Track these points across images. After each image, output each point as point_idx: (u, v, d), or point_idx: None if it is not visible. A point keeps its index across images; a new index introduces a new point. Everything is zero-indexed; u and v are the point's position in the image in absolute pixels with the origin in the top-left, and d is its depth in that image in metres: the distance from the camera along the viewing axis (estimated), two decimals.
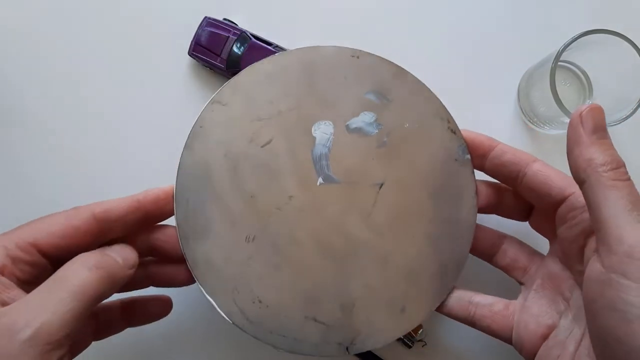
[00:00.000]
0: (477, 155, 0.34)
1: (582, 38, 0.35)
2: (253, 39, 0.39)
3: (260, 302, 0.32)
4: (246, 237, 0.33)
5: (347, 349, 0.33)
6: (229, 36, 0.39)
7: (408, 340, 0.39)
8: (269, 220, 0.33)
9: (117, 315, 0.33)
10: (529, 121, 0.41)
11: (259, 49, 0.39)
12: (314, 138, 0.34)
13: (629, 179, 0.27)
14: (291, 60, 0.34)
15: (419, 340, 0.39)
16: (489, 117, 0.41)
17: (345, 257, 0.33)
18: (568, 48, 0.35)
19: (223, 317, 0.32)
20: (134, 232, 0.31)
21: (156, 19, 0.42)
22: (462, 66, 0.42)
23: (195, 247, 0.32)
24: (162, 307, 0.34)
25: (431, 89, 0.35)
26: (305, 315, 0.33)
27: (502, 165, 0.33)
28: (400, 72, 0.35)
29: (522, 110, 0.41)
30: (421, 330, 0.39)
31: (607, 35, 0.35)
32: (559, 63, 0.35)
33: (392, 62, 0.35)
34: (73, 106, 0.41)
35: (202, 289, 0.32)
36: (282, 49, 0.39)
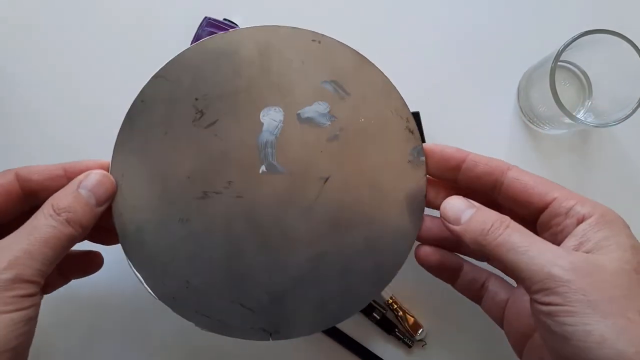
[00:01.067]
0: (449, 169, 0.33)
1: (582, 38, 0.35)
2: None
3: (187, 282, 0.32)
4: (180, 218, 0.32)
5: (270, 335, 0.32)
6: None
7: (408, 340, 0.39)
8: (205, 203, 0.32)
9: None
10: (529, 121, 0.41)
11: None
12: (262, 124, 0.32)
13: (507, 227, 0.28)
14: (245, 38, 0.33)
15: (419, 340, 0.39)
16: (489, 116, 0.41)
17: (279, 249, 0.32)
18: (568, 48, 0.35)
19: (148, 291, 0.31)
20: None
21: (156, 19, 0.42)
22: (462, 66, 0.42)
23: (127, 220, 0.31)
24: (94, 262, 0.34)
25: (393, 83, 0.34)
26: (232, 299, 0.32)
27: (476, 178, 0.32)
28: (363, 63, 0.33)
29: (521, 110, 0.41)
30: (421, 330, 0.39)
31: (606, 35, 0.35)
32: (559, 63, 0.35)
33: (357, 51, 0.33)
34: (72, 106, 0.41)
35: (129, 262, 0.31)
36: None
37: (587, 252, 0.27)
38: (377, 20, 0.42)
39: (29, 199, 0.29)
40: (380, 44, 0.42)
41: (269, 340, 0.32)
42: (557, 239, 0.29)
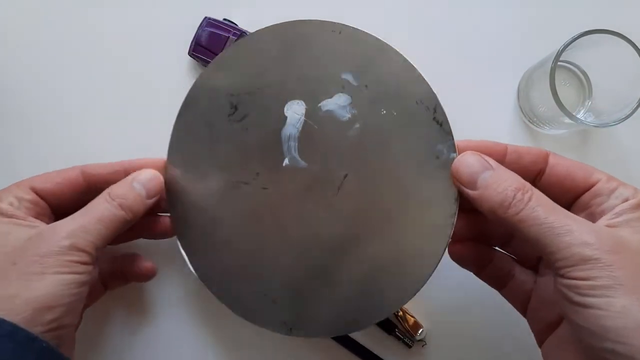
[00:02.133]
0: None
1: (582, 38, 0.35)
2: None
3: (221, 268, 0.33)
4: (217, 207, 0.33)
5: (290, 329, 0.33)
6: (229, 36, 0.39)
7: (408, 340, 0.39)
8: (237, 193, 0.33)
9: (113, 270, 0.36)
10: (529, 121, 0.41)
11: None
12: (286, 117, 0.33)
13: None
14: (272, 35, 0.34)
15: (419, 340, 0.39)
16: (489, 117, 0.41)
17: (301, 244, 0.33)
18: (568, 48, 0.35)
19: (191, 271, 0.34)
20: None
21: (156, 19, 0.42)
22: (462, 66, 0.42)
23: (178, 207, 0.34)
24: (147, 269, 0.36)
25: (418, 69, 0.32)
26: (257, 289, 0.33)
27: (522, 169, 0.31)
28: (384, 50, 0.32)
29: (522, 110, 0.41)
30: (421, 330, 0.39)
31: (607, 35, 0.35)
32: (559, 63, 0.35)
33: (377, 38, 0.33)
34: (73, 106, 0.41)
35: (179, 242, 0.34)
36: None
37: (614, 228, 0.27)
38: (377, 22, 0.42)
39: (90, 190, 0.33)
40: None
41: (289, 334, 0.33)
42: (594, 218, 0.29)
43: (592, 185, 0.30)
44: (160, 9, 0.42)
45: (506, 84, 0.42)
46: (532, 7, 0.42)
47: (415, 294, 0.32)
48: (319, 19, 0.33)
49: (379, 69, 0.32)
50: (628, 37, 0.35)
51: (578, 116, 0.37)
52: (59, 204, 0.33)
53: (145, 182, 0.33)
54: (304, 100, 0.33)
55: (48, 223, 0.31)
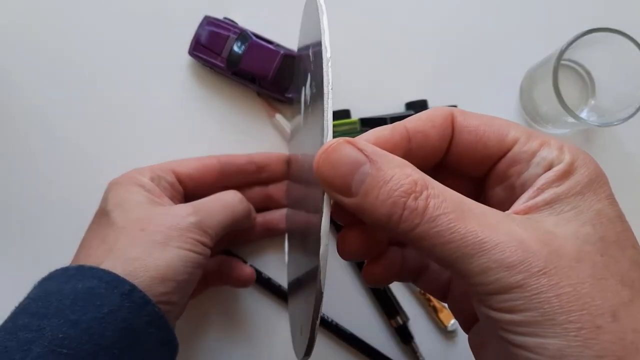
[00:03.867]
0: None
1: (585, 37, 0.35)
2: (254, 37, 0.39)
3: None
4: None
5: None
6: (229, 35, 0.39)
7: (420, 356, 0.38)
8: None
9: (214, 268, 0.37)
10: (532, 120, 0.41)
11: (259, 47, 0.39)
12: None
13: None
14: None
15: (450, 332, 0.39)
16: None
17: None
18: (571, 47, 0.35)
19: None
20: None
21: (156, 18, 0.41)
22: (464, 65, 0.42)
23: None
24: (246, 275, 0.37)
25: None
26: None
27: (433, 149, 0.23)
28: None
29: (524, 109, 0.41)
30: (453, 321, 0.39)
31: (610, 33, 0.35)
32: (562, 62, 0.35)
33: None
34: (73, 106, 0.41)
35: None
36: (283, 48, 0.39)
37: (532, 216, 0.21)
38: (377, 21, 0.42)
39: (223, 179, 0.36)
40: (380, 45, 0.42)
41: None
42: (513, 195, 0.22)
43: (509, 149, 0.22)
44: (160, 8, 0.41)
45: (509, 82, 0.42)
46: (535, 5, 0.42)
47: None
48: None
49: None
50: (632, 35, 0.34)
51: (581, 115, 0.37)
52: (194, 190, 0.35)
53: (236, 202, 0.34)
54: None
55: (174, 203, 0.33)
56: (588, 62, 0.40)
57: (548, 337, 0.18)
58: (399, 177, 0.20)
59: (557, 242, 0.19)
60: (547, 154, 0.22)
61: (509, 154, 0.22)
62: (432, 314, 0.39)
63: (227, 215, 0.32)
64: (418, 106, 0.40)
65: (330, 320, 0.39)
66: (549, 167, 0.21)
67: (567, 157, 0.21)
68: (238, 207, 0.33)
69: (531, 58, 0.40)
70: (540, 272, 0.19)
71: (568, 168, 0.21)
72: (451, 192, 0.20)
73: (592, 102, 0.40)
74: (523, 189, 0.22)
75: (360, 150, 0.21)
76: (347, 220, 0.24)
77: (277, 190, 0.39)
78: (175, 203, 0.34)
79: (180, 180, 0.35)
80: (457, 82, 0.41)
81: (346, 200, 0.21)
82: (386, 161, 0.21)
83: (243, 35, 0.39)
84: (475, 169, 0.24)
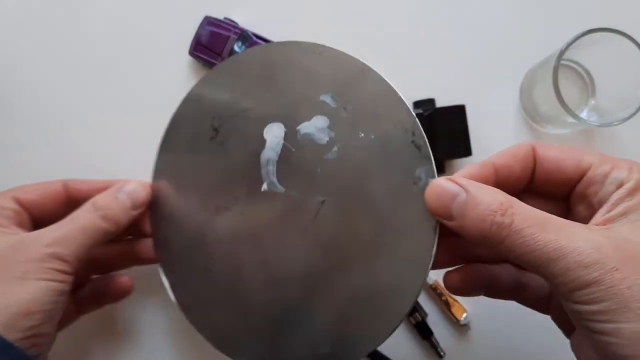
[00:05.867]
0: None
1: (585, 37, 0.35)
2: (254, 37, 0.39)
3: (198, 295, 0.32)
4: (198, 232, 0.32)
5: None
6: (229, 35, 0.39)
7: (440, 350, 0.39)
8: (217, 218, 0.32)
9: (88, 294, 0.36)
10: (532, 120, 0.41)
11: None
12: (265, 141, 0.32)
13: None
14: (255, 55, 0.33)
15: (463, 325, 0.39)
16: (492, 116, 0.41)
17: (276, 273, 0.31)
18: (571, 47, 0.35)
19: (171, 297, 0.32)
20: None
21: (157, 18, 0.42)
22: (464, 66, 0.42)
23: (160, 228, 0.33)
24: (124, 286, 0.36)
25: (399, 92, 0.31)
26: (236, 321, 0.32)
27: (518, 179, 0.29)
28: (364, 71, 0.31)
29: (524, 109, 0.41)
30: (465, 314, 0.39)
31: (610, 33, 0.35)
32: (562, 62, 0.35)
33: (356, 58, 0.32)
34: (73, 106, 0.41)
35: (160, 268, 0.33)
36: None
37: (613, 228, 0.25)
38: (378, 20, 0.42)
39: (72, 204, 0.33)
40: (380, 45, 0.42)
41: None
42: (593, 211, 0.27)
43: (585, 173, 0.27)
44: (160, 8, 0.42)
45: (509, 83, 0.42)
46: (535, 5, 0.42)
47: (391, 334, 0.31)
48: (302, 41, 0.32)
49: (358, 91, 0.31)
50: (632, 35, 0.35)
51: (581, 115, 0.37)
52: (40, 216, 0.33)
53: (130, 192, 0.32)
54: (284, 123, 0.32)
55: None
56: (588, 62, 0.40)
57: (623, 322, 0.22)
58: (488, 200, 0.25)
59: (630, 245, 0.24)
60: (618, 174, 0.26)
61: (585, 177, 0.27)
62: (445, 308, 0.40)
63: (87, 237, 0.30)
64: (426, 105, 0.40)
65: None
66: (620, 185, 0.26)
67: (635, 176, 0.25)
68: (99, 225, 0.30)
69: (531, 58, 0.40)
70: (614, 269, 0.23)
71: (637, 185, 0.25)
72: (534, 210, 0.25)
73: (592, 102, 0.40)
74: (600, 205, 0.26)
75: (457, 183, 0.27)
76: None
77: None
78: (26, 230, 0.32)
79: (24, 207, 0.33)
80: (457, 82, 0.41)
81: (450, 223, 0.27)
82: (477, 188, 0.26)
83: (244, 36, 0.39)
84: (558, 191, 0.28)
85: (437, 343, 0.39)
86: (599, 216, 0.26)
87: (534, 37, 0.42)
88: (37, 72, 0.41)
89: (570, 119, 0.35)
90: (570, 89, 0.41)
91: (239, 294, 0.32)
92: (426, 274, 0.30)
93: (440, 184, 0.27)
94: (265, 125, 0.32)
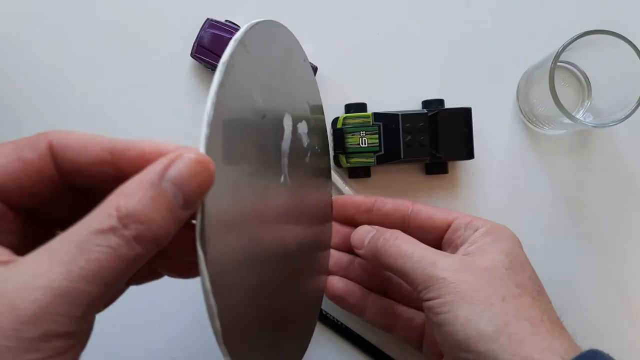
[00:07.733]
0: (362, 212, 0.37)
1: (581, 38, 0.35)
2: None
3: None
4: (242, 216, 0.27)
5: None
6: (231, 38, 0.39)
7: None
8: (258, 201, 0.27)
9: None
10: (528, 121, 0.41)
11: None
12: (283, 130, 0.30)
13: None
14: (268, 41, 0.31)
15: None
16: (488, 117, 0.42)
17: (277, 261, 0.29)
18: (567, 48, 0.35)
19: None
20: None
21: (158, 21, 0.42)
22: (461, 67, 0.42)
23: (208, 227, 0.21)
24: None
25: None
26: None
27: (386, 215, 0.37)
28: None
29: (521, 110, 0.42)
30: None
31: (606, 35, 0.35)
32: (558, 63, 0.36)
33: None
34: (75, 107, 0.41)
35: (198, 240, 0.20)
36: None
37: (468, 255, 0.32)
38: (377, 20, 0.42)
39: (66, 179, 0.22)
40: (380, 45, 0.42)
41: None
42: (457, 251, 0.33)
43: (451, 223, 0.35)
44: (162, 11, 0.42)
45: (505, 84, 0.42)
46: (532, 7, 0.42)
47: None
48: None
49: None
50: (627, 37, 0.35)
51: (577, 116, 0.37)
52: (23, 202, 0.21)
53: (183, 178, 0.19)
54: (291, 116, 0.31)
55: (14, 235, 0.20)
56: (584, 63, 0.40)
57: (459, 310, 0.28)
58: (386, 231, 0.34)
59: (475, 262, 0.31)
60: (476, 222, 0.34)
61: (452, 225, 0.35)
62: None
63: (102, 286, 0.18)
64: (434, 104, 0.40)
65: (338, 321, 0.40)
66: (477, 230, 0.33)
67: (488, 224, 0.33)
68: (125, 255, 0.18)
69: (528, 60, 0.41)
70: (458, 270, 0.30)
71: (488, 230, 0.33)
72: (406, 236, 0.33)
73: (588, 103, 0.41)
74: (462, 245, 0.33)
75: (372, 227, 0.36)
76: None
77: None
78: (9, 230, 0.21)
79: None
80: (453, 83, 0.42)
81: (359, 252, 0.36)
82: (382, 229, 0.35)
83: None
84: (428, 235, 0.36)
85: None
86: (460, 251, 0.33)
87: (530, 39, 0.42)
88: (37, 72, 0.41)
89: (567, 120, 0.36)
90: (566, 90, 0.41)
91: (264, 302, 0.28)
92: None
93: (363, 227, 0.37)
94: (283, 114, 0.30)
